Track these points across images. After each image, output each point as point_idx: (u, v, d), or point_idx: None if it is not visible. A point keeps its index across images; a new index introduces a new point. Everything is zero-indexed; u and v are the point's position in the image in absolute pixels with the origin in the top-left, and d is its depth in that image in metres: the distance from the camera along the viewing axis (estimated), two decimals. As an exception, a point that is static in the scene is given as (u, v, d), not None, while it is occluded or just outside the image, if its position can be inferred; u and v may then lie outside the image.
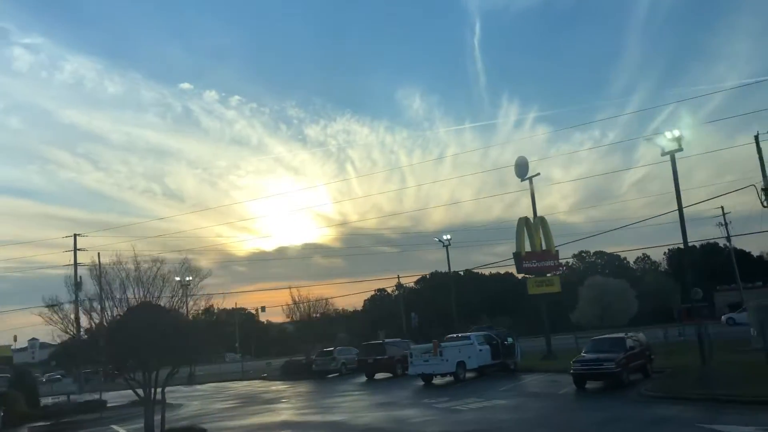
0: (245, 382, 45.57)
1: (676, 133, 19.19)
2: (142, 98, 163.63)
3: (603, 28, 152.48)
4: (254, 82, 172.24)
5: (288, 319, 49.86)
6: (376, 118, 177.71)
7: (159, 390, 17.36)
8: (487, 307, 79.16)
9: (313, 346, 46.17)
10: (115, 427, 23.81)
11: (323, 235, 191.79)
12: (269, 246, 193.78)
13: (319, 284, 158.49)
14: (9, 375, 35.68)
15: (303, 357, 46.83)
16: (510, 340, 31.78)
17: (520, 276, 36.90)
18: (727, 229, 54.10)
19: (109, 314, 16.72)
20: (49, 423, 25.41)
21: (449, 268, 54.87)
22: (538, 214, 37.35)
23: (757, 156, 30.10)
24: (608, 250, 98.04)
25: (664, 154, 19.71)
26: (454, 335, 33.34)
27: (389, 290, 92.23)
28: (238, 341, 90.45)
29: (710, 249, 79.87)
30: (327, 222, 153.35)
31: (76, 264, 45.26)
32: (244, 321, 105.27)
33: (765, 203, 28.46)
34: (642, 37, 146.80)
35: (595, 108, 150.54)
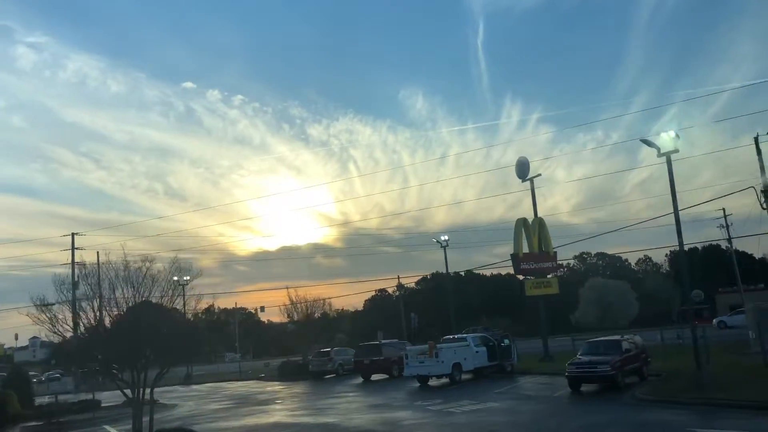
0: (242, 383, 45.45)
1: (672, 134, 19.02)
2: (145, 97, 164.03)
3: (606, 28, 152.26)
4: (257, 81, 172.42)
5: (287, 319, 49.68)
6: (379, 117, 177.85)
7: (149, 390, 17.26)
8: (487, 308, 79.02)
9: (310, 347, 46.04)
10: (107, 427, 23.70)
11: (325, 235, 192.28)
12: (271, 246, 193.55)
13: (319, 284, 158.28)
14: (5, 374, 35.62)
15: (300, 357, 46.73)
16: (506, 341, 31.60)
17: (521, 277, 36.70)
18: (728, 231, 53.69)
19: (99, 314, 16.56)
20: (41, 423, 25.30)
21: (447, 269, 54.75)
22: (540, 214, 37.24)
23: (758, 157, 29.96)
24: (610, 251, 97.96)
25: (660, 155, 19.52)
26: (451, 336, 33.20)
27: (390, 291, 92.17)
28: (237, 341, 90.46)
29: (712, 251, 79.57)
30: (329, 222, 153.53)
31: (73, 263, 45.12)
32: (243, 321, 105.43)
33: (764, 205, 28.25)
34: (645, 38, 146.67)
35: (598, 109, 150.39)
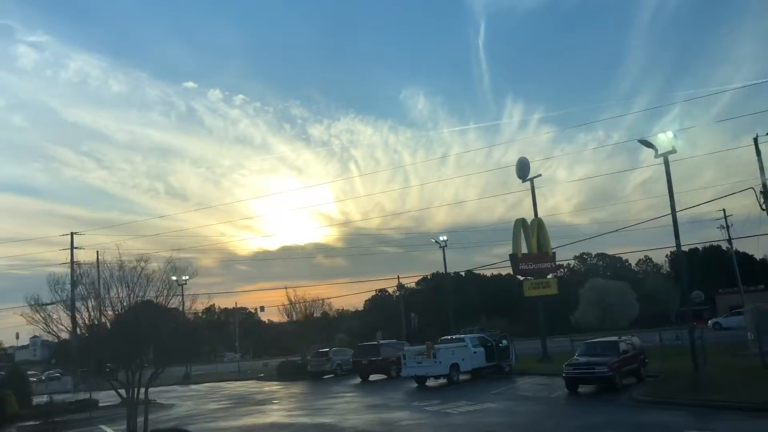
0: (240, 383, 45.40)
1: (670, 134, 18.94)
2: (147, 97, 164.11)
3: (608, 29, 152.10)
4: (258, 81, 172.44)
5: (287, 319, 49.61)
6: (380, 117, 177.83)
7: (145, 390, 17.23)
8: (487, 309, 78.91)
9: (308, 347, 45.99)
10: (103, 427, 23.65)
11: (326, 234, 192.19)
12: (272, 245, 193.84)
13: (320, 284, 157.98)
14: (3, 373, 35.61)
15: (299, 357, 46.68)
16: (505, 342, 31.54)
17: (522, 278, 36.64)
18: (728, 231, 53.63)
19: (93, 314, 16.52)
20: (37, 422, 25.27)
21: (445, 269, 54.72)
22: (541, 214, 37.21)
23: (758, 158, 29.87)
24: (610, 252, 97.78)
25: (658, 156, 19.43)
26: (449, 337, 33.14)
27: (390, 291, 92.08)
28: (237, 341, 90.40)
29: (713, 251, 79.43)
30: (330, 222, 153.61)
31: (72, 262, 45.17)
32: (244, 320, 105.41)
33: (763, 206, 28.15)
34: (646, 39, 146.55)
35: (599, 109, 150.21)
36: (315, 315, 48.29)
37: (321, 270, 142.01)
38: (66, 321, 16.46)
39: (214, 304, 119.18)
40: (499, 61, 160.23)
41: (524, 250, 35.85)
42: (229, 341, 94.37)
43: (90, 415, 26.59)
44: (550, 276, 36.88)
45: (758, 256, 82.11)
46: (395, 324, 68.54)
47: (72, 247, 47.79)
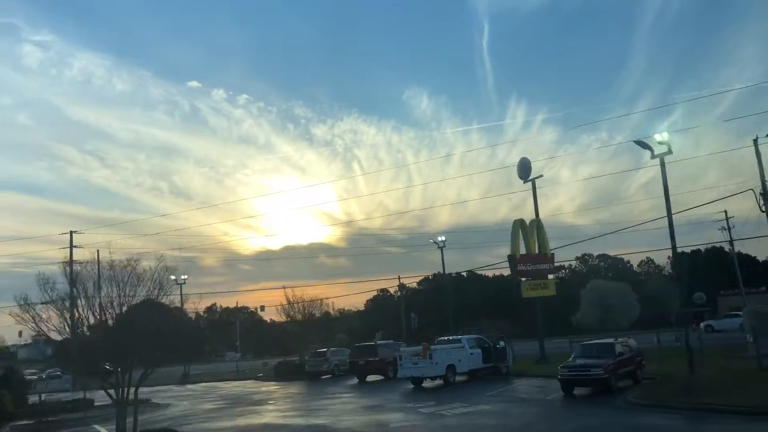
0: (238, 383, 45.32)
1: (666, 135, 18.77)
2: (150, 96, 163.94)
3: (611, 30, 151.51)
4: (262, 81, 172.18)
5: (286, 319, 49.51)
6: (384, 118, 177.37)
7: (135, 390, 17.13)
8: (488, 309, 78.64)
9: (307, 347, 45.88)
10: (97, 426, 23.59)
11: (328, 234, 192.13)
12: (275, 245, 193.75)
13: (322, 284, 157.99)
14: (2, 372, 35.54)
15: (297, 358, 46.58)
16: (502, 343, 31.37)
17: (523, 279, 36.44)
18: (729, 233, 53.35)
19: (83, 314, 16.44)
20: (32, 422, 25.22)
21: (444, 270, 54.59)
22: (544, 215, 37.29)
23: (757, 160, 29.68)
24: (612, 252, 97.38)
25: (653, 157, 19.27)
26: (445, 338, 32.97)
27: (392, 291, 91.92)
28: (238, 340, 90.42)
29: (715, 253, 79.03)
30: (332, 221, 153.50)
31: (72, 262, 45.03)
32: (245, 320, 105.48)
33: (763, 207, 27.98)
34: (650, 40, 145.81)
35: (602, 110, 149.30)
36: (315, 315, 48.19)
37: (323, 270, 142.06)
38: (55, 320, 16.36)
39: (215, 304, 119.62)
40: (502, 62, 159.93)
41: (523, 251, 35.67)
42: (231, 341, 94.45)
43: (84, 415, 26.52)
44: (549, 277, 36.67)
45: (760, 257, 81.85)
46: (396, 324, 68.43)
47: (71, 246, 47.72)
